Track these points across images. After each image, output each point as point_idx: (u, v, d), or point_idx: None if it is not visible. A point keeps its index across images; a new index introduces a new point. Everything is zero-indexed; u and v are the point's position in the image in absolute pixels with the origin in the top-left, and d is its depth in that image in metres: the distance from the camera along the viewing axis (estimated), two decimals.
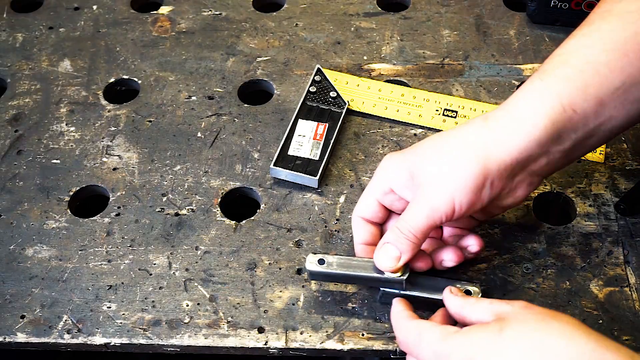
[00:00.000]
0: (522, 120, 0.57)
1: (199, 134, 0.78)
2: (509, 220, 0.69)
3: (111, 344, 0.63)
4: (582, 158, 0.73)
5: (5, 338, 0.64)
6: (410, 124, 0.77)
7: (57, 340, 0.64)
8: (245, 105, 0.81)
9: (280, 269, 0.67)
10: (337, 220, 0.70)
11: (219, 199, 0.72)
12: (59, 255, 0.69)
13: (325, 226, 0.70)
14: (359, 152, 0.75)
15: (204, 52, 0.86)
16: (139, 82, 0.84)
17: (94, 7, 0.93)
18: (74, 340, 0.64)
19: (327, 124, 0.75)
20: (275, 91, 0.82)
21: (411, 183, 0.60)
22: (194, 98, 0.82)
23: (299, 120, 0.76)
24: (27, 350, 0.65)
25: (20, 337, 0.64)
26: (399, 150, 0.62)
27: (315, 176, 0.71)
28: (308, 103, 0.77)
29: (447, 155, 0.58)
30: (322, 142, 0.74)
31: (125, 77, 0.84)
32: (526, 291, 0.64)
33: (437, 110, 0.77)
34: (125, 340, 0.63)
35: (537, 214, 0.70)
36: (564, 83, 0.57)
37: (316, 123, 0.76)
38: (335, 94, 0.78)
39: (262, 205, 0.72)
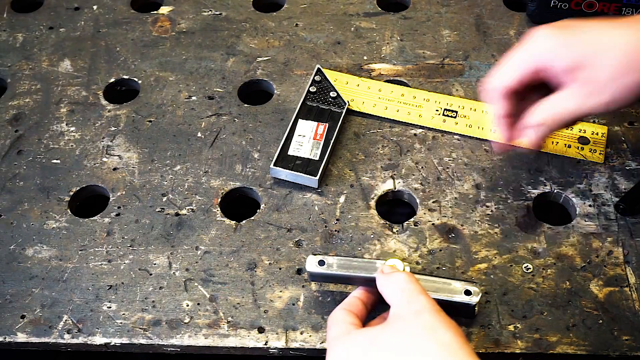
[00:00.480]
0: None
1: (199, 134, 0.78)
2: (509, 220, 0.69)
3: (111, 344, 0.63)
4: (582, 158, 0.73)
5: (5, 338, 0.64)
6: (410, 124, 0.77)
7: (57, 340, 0.64)
8: (245, 105, 0.81)
9: (280, 269, 0.67)
10: (337, 220, 0.70)
11: (219, 199, 0.72)
12: (59, 255, 0.69)
13: (325, 226, 0.70)
14: (359, 152, 0.75)
15: (204, 52, 0.86)
16: (139, 82, 0.84)
17: (94, 7, 0.93)
18: (74, 340, 0.64)
19: (327, 124, 0.75)
20: (275, 91, 0.82)
21: (575, 71, 0.60)
22: (194, 98, 0.82)
23: (299, 120, 0.76)
24: (27, 350, 0.65)
25: (21, 337, 0.64)
26: (555, 28, 0.62)
27: (315, 176, 0.71)
28: (308, 103, 0.77)
29: (626, 64, 0.59)
30: (322, 142, 0.74)
31: (125, 77, 0.84)
32: (526, 291, 0.64)
33: (437, 110, 0.77)
34: (125, 340, 0.63)
35: (537, 214, 0.70)
36: None
37: (316, 123, 0.75)
38: (335, 94, 0.78)
39: (262, 205, 0.72)
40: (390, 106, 0.78)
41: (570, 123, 0.63)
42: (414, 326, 0.52)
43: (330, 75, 0.81)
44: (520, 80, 0.63)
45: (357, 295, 0.60)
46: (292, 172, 0.72)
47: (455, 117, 0.77)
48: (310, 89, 0.78)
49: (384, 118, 0.78)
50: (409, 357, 0.50)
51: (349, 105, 0.78)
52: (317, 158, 0.73)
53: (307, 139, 0.74)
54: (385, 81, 0.82)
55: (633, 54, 0.59)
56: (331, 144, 0.74)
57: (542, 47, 0.62)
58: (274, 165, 0.72)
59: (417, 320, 0.52)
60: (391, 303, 0.55)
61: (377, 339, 0.52)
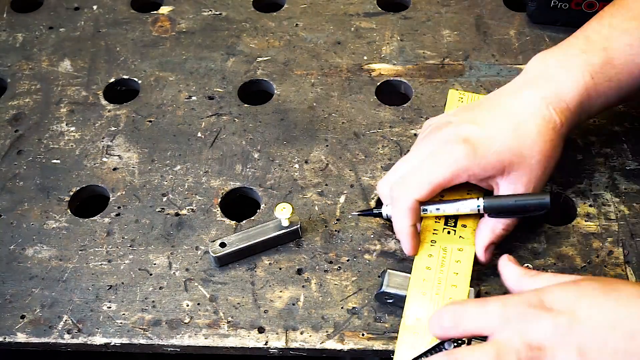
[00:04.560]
0: (575, 117, 0.65)
1: (199, 134, 0.78)
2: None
3: (111, 344, 0.63)
4: (582, 158, 0.73)
5: (5, 338, 0.64)
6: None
7: (57, 340, 0.64)
8: (245, 105, 0.81)
9: (280, 269, 0.67)
10: (337, 220, 0.70)
11: (219, 199, 0.72)
12: (59, 255, 0.69)
13: (326, 226, 0.70)
14: (359, 152, 0.75)
15: (204, 52, 0.86)
16: (139, 82, 0.84)
17: (94, 7, 0.93)
18: (74, 340, 0.64)
19: None
20: (275, 91, 0.82)
21: (497, 175, 0.63)
22: (194, 98, 0.82)
23: None
24: (27, 350, 0.65)
25: (20, 337, 0.64)
26: (467, 142, 0.62)
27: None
28: None
29: (539, 156, 0.63)
30: None
31: (125, 77, 0.84)
32: None
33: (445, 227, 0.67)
34: (125, 340, 0.63)
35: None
36: (607, 86, 0.65)
37: None
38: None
39: (262, 205, 0.72)
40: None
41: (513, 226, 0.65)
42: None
43: None
44: (432, 195, 0.63)
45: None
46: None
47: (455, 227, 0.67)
48: None
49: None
50: None
51: None
52: None
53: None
54: (385, 81, 0.81)
55: (548, 143, 0.63)
56: None
57: (461, 166, 0.62)
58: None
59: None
60: None
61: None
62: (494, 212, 0.63)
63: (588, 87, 0.64)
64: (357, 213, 0.69)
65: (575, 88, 0.64)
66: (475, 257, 0.64)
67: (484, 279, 0.65)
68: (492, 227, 0.64)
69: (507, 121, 0.63)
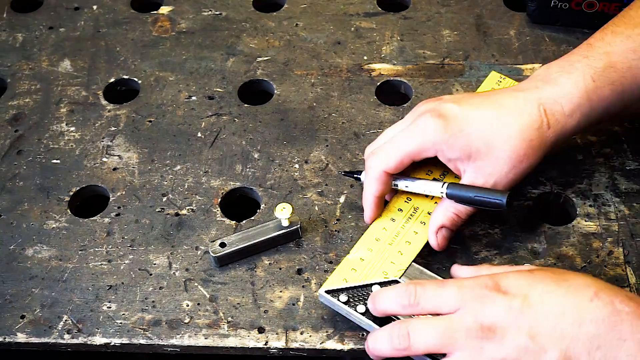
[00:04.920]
0: (573, 122, 0.64)
1: (199, 134, 0.78)
2: (509, 221, 0.69)
3: (111, 344, 0.63)
4: (582, 158, 0.73)
5: (5, 338, 0.64)
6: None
7: (57, 340, 0.64)
8: (245, 105, 0.81)
9: (280, 269, 0.67)
10: (337, 220, 0.70)
11: (219, 199, 0.72)
12: (59, 255, 0.69)
13: (326, 226, 0.70)
14: (359, 152, 0.75)
15: (204, 52, 0.86)
16: (139, 82, 0.84)
17: (94, 7, 0.93)
18: (74, 341, 0.63)
19: None
20: (275, 91, 0.82)
21: (464, 161, 0.63)
22: (194, 98, 0.82)
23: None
24: (27, 350, 0.65)
25: (20, 337, 0.64)
26: (441, 117, 0.63)
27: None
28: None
29: (515, 151, 0.62)
30: None
31: (125, 77, 0.84)
32: None
33: (432, 200, 0.68)
34: (125, 341, 0.63)
35: (537, 214, 0.70)
36: (609, 89, 0.64)
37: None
38: (378, 287, 0.62)
39: (262, 205, 0.72)
40: (411, 241, 0.66)
41: (470, 214, 0.65)
42: None
43: (335, 282, 0.63)
44: (402, 166, 0.64)
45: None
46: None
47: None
48: (359, 310, 0.61)
49: None
50: None
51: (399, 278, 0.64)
52: None
53: None
54: (384, 81, 0.81)
55: (521, 142, 0.62)
56: None
57: (430, 138, 0.63)
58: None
59: None
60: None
61: None
62: (454, 199, 0.63)
63: (589, 89, 0.63)
64: (342, 172, 0.72)
65: (575, 90, 0.63)
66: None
67: None
68: (444, 210, 0.64)
69: (490, 110, 0.63)
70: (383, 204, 0.67)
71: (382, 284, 0.62)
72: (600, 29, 0.68)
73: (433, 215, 0.65)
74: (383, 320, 0.60)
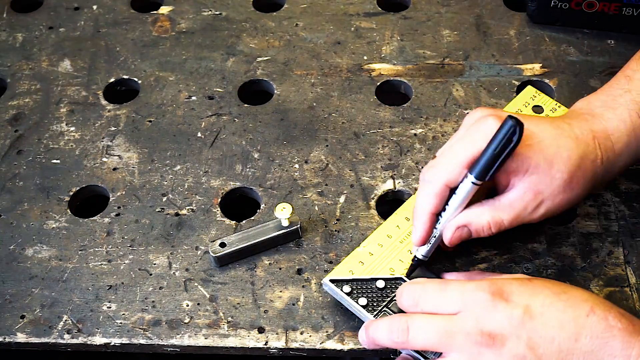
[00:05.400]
0: (622, 158, 0.62)
1: (199, 134, 0.78)
2: None
3: (111, 344, 0.63)
4: None
5: (5, 338, 0.64)
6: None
7: (57, 340, 0.64)
8: (245, 105, 0.81)
9: (280, 269, 0.67)
10: (337, 220, 0.70)
11: (219, 199, 0.72)
12: (59, 255, 0.69)
13: (326, 226, 0.70)
14: (359, 152, 0.75)
15: (204, 52, 0.86)
16: (139, 82, 0.84)
17: (94, 7, 0.93)
18: (74, 341, 0.63)
19: None
20: (275, 91, 0.82)
21: (520, 171, 0.59)
22: (194, 98, 0.82)
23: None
24: (27, 350, 0.65)
25: (20, 337, 0.64)
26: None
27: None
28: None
29: (569, 178, 0.59)
30: None
31: (125, 77, 0.84)
32: None
33: None
34: (125, 341, 0.63)
35: None
36: None
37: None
38: (382, 283, 0.62)
39: (262, 205, 0.72)
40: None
41: (500, 229, 0.61)
42: None
43: (342, 272, 0.64)
44: (462, 175, 0.59)
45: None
46: None
47: None
48: (361, 303, 0.61)
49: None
50: None
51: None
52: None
53: None
54: (384, 82, 0.81)
55: (577, 168, 0.59)
56: None
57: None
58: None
59: None
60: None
61: None
62: (482, 172, 0.57)
63: (635, 126, 0.61)
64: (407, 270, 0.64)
65: (623, 127, 0.61)
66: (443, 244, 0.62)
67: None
68: (480, 213, 0.59)
69: (551, 129, 0.60)
70: (435, 223, 0.61)
71: (387, 280, 0.62)
72: (633, 59, 0.66)
73: (465, 211, 0.60)
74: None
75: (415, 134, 0.77)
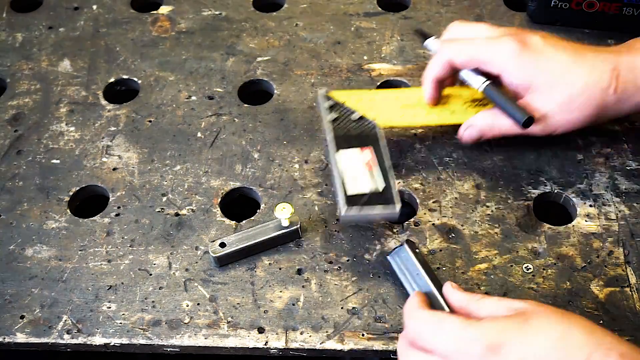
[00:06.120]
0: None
1: (199, 134, 0.78)
2: (509, 220, 0.69)
3: (111, 344, 0.63)
4: (582, 158, 0.73)
5: (4, 338, 0.64)
6: (445, 125, 0.74)
7: (57, 340, 0.63)
8: (245, 105, 0.81)
9: (280, 269, 0.67)
10: (337, 220, 0.70)
11: (219, 199, 0.72)
12: (59, 255, 0.69)
13: (325, 226, 0.70)
14: None
15: (204, 52, 0.86)
16: (139, 82, 0.83)
17: (94, 6, 0.93)
18: (74, 341, 0.63)
19: (371, 147, 0.68)
20: (275, 91, 0.82)
21: (524, 89, 0.68)
22: (194, 98, 0.82)
23: (340, 152, 0.67)
24: (27, 351, 0.65)
25: (20, 338, 0.64)
26: (522, 42, 0.67)
27: (394, 204, 0.63)
28: (337, 133, 0.68)
29: (576, 98, 0.66)
30: (377, 167, 0.66)
31: (125, 77, 0.84)
32: (526, 291, 0.64)
33: (465, 103, 0.73)
34: (125, 341, 0.63)
35: (537, 214, 0.70)
36: None
37: (358, 149, 0.67)
38: (357, 115, 0.70)
39: (262, 205, 0.72)
40: (417, 112, 0.73)
41: (504, 134, 0.70)
42: None
43: (339, 96, 0.72)
44: (467, 66, 0.69)
45: (420, 299, 0.59)
46: (367, 208, 0.63)
47: (486, 105, 0.72)
48: (331, 117, 0.70)
49: (416, 128, 0.76)
50: None
51: (376, 124, 0.70)
52: (382, 185, 0.65)
53: (360, 171, 0.66)
54: (384, 82, 0.81)
55: (587, 96, 0.65)
56: (389, 165, 0.66)
57: (502, 57, 0.67)
58: (345, 212, 0.63)
59: None
60: None
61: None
62: (487, 96, 0.69)
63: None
64: (415, 30, 0.77)
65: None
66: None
67: (484, 278, 0.65)
68: (485, 116, 0.70)
69: (568, 56, 0.66)
70: (441, 89, 0.72)
71: (360, 117, 0.70)
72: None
73: (476, 115, 0.70)
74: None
75: (415, 134, 0.76)
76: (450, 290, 0.59)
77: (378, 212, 0.63)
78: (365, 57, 0.84)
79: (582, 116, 0.67)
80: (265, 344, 0.62)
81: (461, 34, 0.71)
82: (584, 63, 0.66)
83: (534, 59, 0.66)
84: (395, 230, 0.69)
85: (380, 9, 0.90)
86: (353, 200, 0.63)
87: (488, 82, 0.69)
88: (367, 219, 0.66)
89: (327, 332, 0.63)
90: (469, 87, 0.72)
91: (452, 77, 0.72)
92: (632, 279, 0.64)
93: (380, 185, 0.65)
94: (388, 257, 0.64)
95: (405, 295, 0.62)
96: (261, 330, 0.63)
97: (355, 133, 0.69)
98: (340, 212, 0.64)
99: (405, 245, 0.63)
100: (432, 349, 0.53)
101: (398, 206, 0.63)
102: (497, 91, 0.68)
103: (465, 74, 0.70)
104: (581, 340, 0.50)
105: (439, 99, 0.72)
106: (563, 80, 0.66)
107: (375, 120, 0.70)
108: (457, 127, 0.73)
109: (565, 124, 0.68)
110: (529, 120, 0.67)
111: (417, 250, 0.64)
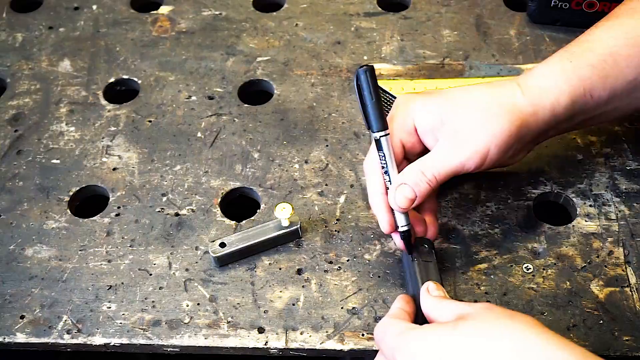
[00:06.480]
0: (550, 96, 0.61)
1: (199, 134, 0.78)
2: (509, 220, 0.69)
3: (111, 344, 0.63)
4: (582, 158, 0.73)
5: (5, 338, 0.64)
6: None
7: (57, 340, 0.64)
8: (245, 105, 0.81)
9: (280, 269, 0.67)
10: (337, 220, 0.70)
11: (219, 199, 0.72)
12: (59, 255, 0.69)
13: (325, 226, 0.70)
14: (359, 152, 0.75)
15: (204, 52, 0.86)
16: (139, 82, 0.84)
17: (94, 7, 0.93)
18: (74, 341, 0.63)
19: None
20: (275, 91, 0.82)
21: (439, 128, 0.61)
22: (194, 98, 0.82)
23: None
24: (27, 351, 0.65)
25: (20, 337, 0.64)
26: (416, 93, 0.64)
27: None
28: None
29: (486, 111, 0.60)
30: None
31: (125, 77, 0.84)
32: (526, 291, 0.64)
33: None
34: (125, 341, 0.63)
35: (537, 214, 0.70)
36: (589, 70, 0.61)
37: None
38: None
39: (262, 205, 0.72)
40: None
41: (439, 181, 0.61)
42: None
43: (381, 84, 0.75)
44: (398, 151, 0.62)
45: (399, 306, 0.58)
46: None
47: None
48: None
49: None
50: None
51: None
52: None
53: None
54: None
55: (488, 108, 0.60)
56: None
57: (412, 111, 0.62)
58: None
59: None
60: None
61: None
62: (371, 121, 0.61)
63: (565, 69, 0.61)
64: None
65: (548, 70, 0.62)
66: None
67: (484, 278, 0.65)
68: (400, 176, 0.62)
69: (461, 87, 0.62)
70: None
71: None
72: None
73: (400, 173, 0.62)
74: None
75: None
76: (423, 295, 0.57)
77: None
78: (365, 57, 0.84)
79: (503, 157, 0.61)
80: (265, 344, 0.62)
81: None
82: (484, 85, 0.62)
83: (432, 96, 0.62)
84: None
85: (380, 9, 0.90)
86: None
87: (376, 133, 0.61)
88: None
89: (327, 332, 0.63)
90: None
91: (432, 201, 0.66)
92: (632, 279, 0.64)
93: None
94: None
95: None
96: (261, 330, 0.63)
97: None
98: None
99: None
100: (380, 350, 0.55)
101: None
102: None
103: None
104: (505, 345, 0.48)
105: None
106: (470, 99, 0.61)
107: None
108: None
109: (486, 143, 0.60)
110: (362, 68, 0.59)
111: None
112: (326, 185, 0.73)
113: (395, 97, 0.74)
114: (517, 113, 0.60)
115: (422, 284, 0.58)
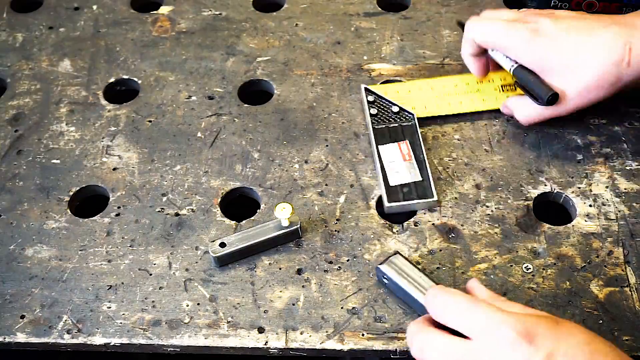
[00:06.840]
0: None
1: (199, 134, 0.78)
2: (509, 220, 0.69)
3: (111, 344, 0.63)
4: (582, 158, 0.73)
5: (5, 338, 0.64)
6: (478, 112, 0.77)
7: (57, 340, 0.64)
8: (245, 105, 0.81)
9: (280, 269, 0.67)
10: (337, 220, 0.70)
11: (219, 199, 0.72)
12: (59, 255, 0.69)
13: (325, 226, 0.70)
14: (359, 152, 0.75)
15: (204, 52, 0.86)
16: (139, 82, 0.84)
17: (94, 7, 0.93)
18: (74, 340, 0.63)
19: (407, 140, 0.73)
20: (275, 91, 0.82)
21: (537, 70, 0.70)
22: (194, 98, 0.82)
23: (379, 147, 0.73)
24: (27, 350, 0.65)
25: (20, 337, 0.64)
26: (533, 32, 0.69)
27: (432, 197, 0.69)
28: (376, 127, 0.75)
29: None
30: (413, 161, 0.72)
31: (125, 77, 0.84)
32: (526, 291, 0.64)
33: (496, 89, 0.78)
34: (125, 340, 0.63)
35: (537, 214, 0.70)
36: None
37: (396, 144, 0.73)
38: (397, 108, 0.76)
39: (262, 205, 0.72)
40: (452, 100, 0.78)
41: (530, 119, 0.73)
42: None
43: (379, 89, 0.78)
44: (486, 45, 0.73)
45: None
46: (407, 202, 0.69)
47: (515, 90, 0.78)
48: (371, 112, 0.76)
49: (452, 115, 0.77)
50: None
51: (416, 114, 0.76)
52: (419, 178, 0.71)
53: (398, 164, 0.72)
54: (384, 81, 0.82)
55: (602, 75, 0.66)
56: (424, 158, 0.72)
57: (515, 44, 0.70)
58: (388, 202, 0.70)
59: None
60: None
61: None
62: (516, 78, 0.72)
63: None
64: (457, 22, 0.82)
65: None
66: None
67: (484, 278, 0.65)
68: (511, 101, 0.75)
69: (579, 36, 0.67)
70: (484, 64, 0.75)
71: (399, 110, 0.75)
72: None
73: (507, 99, 0.75)
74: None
75: None
76: (477, 285, 0.59)
77: (419, 203, 0.70)
78: (365, 57, 0.84)
79: (599, 94, 0.68)
80: (265, 344, 0.62)
81: (489, 12, 0.75)
82: (596, 41, 0.67)
83: (545, 45, 0.68)
84: (395, 230, 0.69)
85: (380, 9, 0.90)
86: (394, 190, 0.70)
87: (517, 65, 0.71)
88: (409, 208, 0.70)
89: (327, 332, 0.63)
90: (498, 72, 0.78)
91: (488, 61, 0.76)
92: (632, 279, 0.64)
93: (418, 176, 0.71)
94: (381, 266, 0.63)
95: (405, 298, 0.62)
96: (261, 330, 0.63)
97: (394, 126, 0.75)
98: (384, 204, 0.69)
99: (399, 254, 0.64)
100: (459, 328, 0.53)
101: (435, 197, 0.69)
102: (524, 72, 0.70)
103: (495, 55, 0.74)
104: (605, 349, 0.51)
105: (485, 72, 0.76)
106: (576, 63, 0.67)
107: (412, 110, 0.76)
108: (462, 120, 0.73)
109: (584, 102, 0.69)
110: (553, 98, 0.68)
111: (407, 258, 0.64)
112: (326, 185, 0.73)
113: (391, 103, 0.76)
114: (618, 81, 0.67)
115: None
